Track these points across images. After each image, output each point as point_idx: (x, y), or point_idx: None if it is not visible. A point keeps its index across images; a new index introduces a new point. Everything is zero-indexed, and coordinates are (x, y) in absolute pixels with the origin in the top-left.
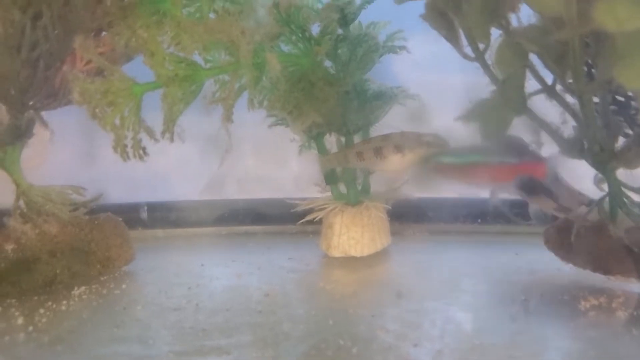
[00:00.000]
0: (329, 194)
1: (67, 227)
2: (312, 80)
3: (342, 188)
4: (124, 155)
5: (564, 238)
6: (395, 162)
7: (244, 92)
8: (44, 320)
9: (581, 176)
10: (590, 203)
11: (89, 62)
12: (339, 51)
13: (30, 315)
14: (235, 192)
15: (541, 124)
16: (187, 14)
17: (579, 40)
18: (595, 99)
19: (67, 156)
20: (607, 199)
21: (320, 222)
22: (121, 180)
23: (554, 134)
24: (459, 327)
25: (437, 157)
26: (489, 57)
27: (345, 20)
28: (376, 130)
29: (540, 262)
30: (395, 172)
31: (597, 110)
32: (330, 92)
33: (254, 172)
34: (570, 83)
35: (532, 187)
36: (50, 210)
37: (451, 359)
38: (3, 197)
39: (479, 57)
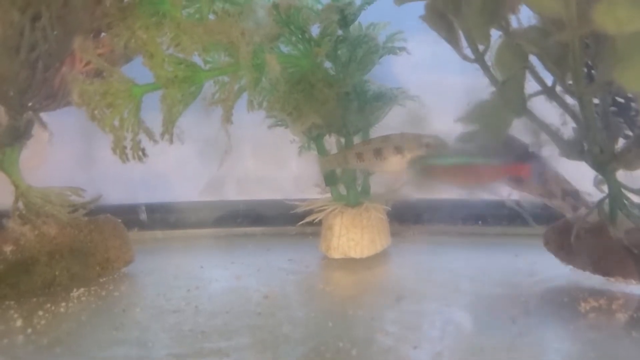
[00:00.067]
0: (329, 195)
1: (66, 229)
2: (312, 82)
3: (342, 189)
4: (123, 157)
5: (564, 239)
6: (395, 164)
7: (243, 94)
8: (42, 322)
9: (582, 177)
10: (572, 193)
11: (88, 63)
12: (339, 52)
13: (29, 317)
14: (235, 193)
15: (541, 126)
16: (186, 15)
17: (579, 41)
18: (595, 101)
19: (66, 157)
20: (607, 200)
21: (319, 223)
22: (120, 182)
23: (554, 135)
24: (458, 329)
25: (423, 159)
26: (489, 58)
27: (345, 21)
28: (376, 132)
29: (540, 263)
30: (395, 174)
31: (597, 111)
32: (330, 93)
33: (254, 173)
34: (570, 84)
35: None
36: (49, 211)
37: None
38: (2, 198)
39: (479, 58)
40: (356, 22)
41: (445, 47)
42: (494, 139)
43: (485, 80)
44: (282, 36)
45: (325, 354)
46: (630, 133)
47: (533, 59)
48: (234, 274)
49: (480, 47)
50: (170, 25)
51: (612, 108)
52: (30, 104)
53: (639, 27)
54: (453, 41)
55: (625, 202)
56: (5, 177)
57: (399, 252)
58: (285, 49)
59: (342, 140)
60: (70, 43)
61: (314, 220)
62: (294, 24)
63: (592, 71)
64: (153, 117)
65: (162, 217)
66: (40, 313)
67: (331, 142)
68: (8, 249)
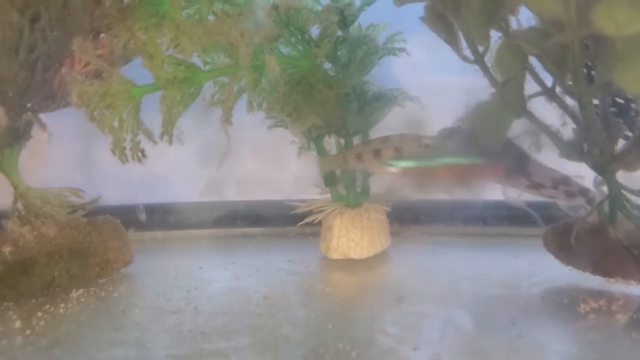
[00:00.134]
0: (329, 196)
1: (65, 230)
2: (312, 83)
3: (342, 190)
4: (123, 158)
5: (564, 240)
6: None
7: (243, 94)
8: (41, 323)
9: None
10: (563, 180)
11: (87, 64)
12: (339, 53)
13: (28, 318)
14: (235, 194)
15: (541, 127)
16: (186, 16)
17: (579, 42)
18: (595, 102)
19: (66, 158)
20: (606, 201)
21: (319, 224)
22: (119, 183)
23: (554, 136)
24: (458, 330)
25: (394, 160)
26: (489, 59)
27: (344, 22)
28: (376, 132)
29: (540, 264)
30: (394, 175)
31: (597, 112)
32: (330, 94)
33: (253, 174)
34: (569, 85)
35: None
36: (49, 212)
37: None
38: (1, 199)
39: (479, 59)
40: (356, 23)
41: (444, 48)
42: (478, 136)
43: (485, 82)
44: (282, 37)
45: (325, 355)
46: (630, 134)
47: (533, 60)
48: (233, 274)
49: (480, 48)
50: (170, 26)
51: (612, 109)
52: (29, 105)
53: (638, 29)
54: (453, 42)
55: (625, 203)
56: (5, 177)
57: (399, 252)
58: (284, 50)
59: (342, 141)
60: (70, 44)
61: (313, 221)
62: (293, 25)
63: (592, 72)
64: (152, 118)
65: (161, 217)
66: (39, 314)
67: (331, 143)
68: (7, 249)
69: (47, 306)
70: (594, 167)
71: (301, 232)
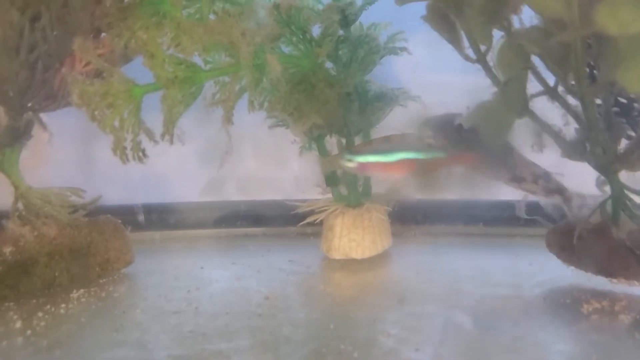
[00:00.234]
0: (330, 195)
1: (65, 230)
2: (313, 82)
3: (343, 190)
4: (124, 158)
5: (566, 241)
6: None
7: (244, 94)
8: (42, 323)
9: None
10: (543, 175)
11: (88, 63)
12: (340, 52)
13: (28, 318)
14: (235, 193)
15: (543, 126)
16: (187, 15)
17: (581, 42)
18: (598, 101)
19: (66, 158)
20: (609, 201)
21: (320, 224)
22: (120, 182)
23: (556, 136)
24: (460, 331)
25: (352, 155)
26: (491, 58)
27: (346, 21)
28: (377, 132)
29: (542, 265)
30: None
31: (600, 112)
32: (331, 93)
33: (255, 174)
34: (572, 85)
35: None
36: (49, 212)
37: None
38: (1, 199)
39: (481, 58)
40: (357, 23)
41: (446, 48)
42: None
43: (487, 81)
44: (283, 36)
45: (326, 356)
46: (633, 134)
47: (535, 60)
48: (234, 274)
49: (482, 48)
50: (171, 26)
51: (615, 109)
52: (30, 105)
53: None
54: (455, 41)
55: (628, 203)
56: (5, 177)
57: (400, 253)
58: (286, 49)
59: (343, 140)
60: (70, 43)
61: (314, 220)
62: (295, 24)
63: (595, 72)
64: (153, 118)
65: (161, 217)
66: (40, 314)
67: (332, 142)
68: (7, 250)
69: (48, 306)
70: (597, 167)
71: (302, 232)
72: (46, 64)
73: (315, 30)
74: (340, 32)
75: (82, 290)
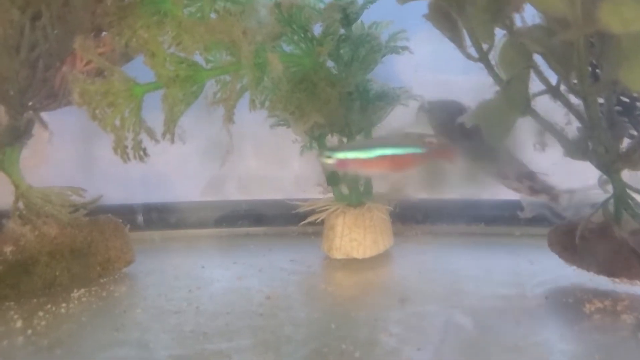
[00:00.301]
0: (331, 195)
1: (66, 229)
2: (314, 81)
3: (344, 189)
4: (124, 157)
5: (568, 240)
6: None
7: (245, 93)
8: (43, 323)
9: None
10: (528, 174)
11: (89, 62)
12: (341, 51)
13: (29, 318)
14: (236, 193)
15: (545, 125)
16: (188, 14)
17: (584, 40)
18: (600, 100)
19: (67, 157)
20: (611, 200)
21: (321, 223)
22: (121, 181)
23: (558, 135)
24: (462, 331)
25: (330, 151)
26: (493, 57)
27: (347, 20)
28: (378, 131)
29: (544, 264)
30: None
31: (602, 111)
32: (333, 92)
33: (256, 173)
34: (574, 84)
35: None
36: (50, 211)
37: None
38: (2, 198)
39: (483, 57)
40: (359, 21)
41: (448, 46)
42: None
43: (489, 80)
44: (284, 35)
45: (328, 355)
46: (635, 133)
47: (537, 58)
48: (235, 274)
49: (484, 46)
50: (172, 24)
51: (617, 107)
52: (30, 104)
53: None
54: (457, 40)
55: (630, 202)
56: (6, 177)
57: (402, 252)
58: (287, 48)
59: (345, 140)
60: (71, 42)
61: (316, 220)
62: (296, 23)
63: (597, 70)
64: (154, 117)
65: (162, 217)
66: (41, 314)
67: (333, 141)
68: (8, 249)
69: (49, 306)
70: (599, 166)
71: (303, 231)
72: (47, 63)
73: (317, 29)
74: (342, 30)
75: (82, 290)
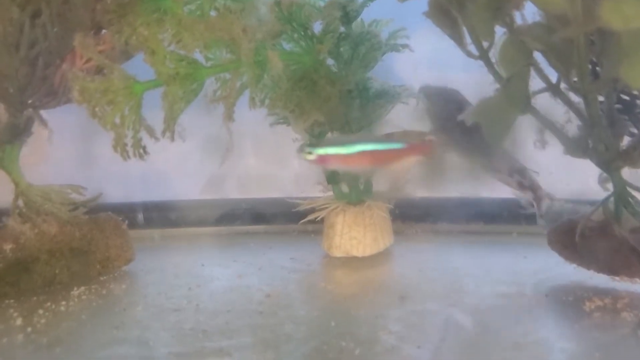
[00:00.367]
0: (331, 193)
1: (66, 227)
2: (314, 79)
3: (344, 187)
4: (124, 154)
5: (568, 238)
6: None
7: (245, 91)
8: (42, 321)
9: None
10: (519, 170)
11: (88, 60)
12: (341, 49)
13: (29, 316)
14: (236, 191)
15: (545, 123)
16: (188, 11)
17: (584, 38)
18: (600, 98)
19: (67, 155)
20: (612, 198)
21: (321, 221)
22: (121, 179)
23: (559, 132)
24: (462, 329)
25: (311, 147)
26: (493, 55)
27: (347, 18)
28: (378, 129)
29: (544, 262)
30: (397, 171)
31: (602, 109)
32: (333, 90)
33: (255, 171)
34: (575, 81)
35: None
36: (50, 209)
37: None
38: (2, 196)
39: (483, 55)
40: (359, 19)
41: (448, 44)
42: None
43: (489, 77)
44: (284, 33)
45: (327, 353)
46: (636, 131)
47: (538, 56)
48: (235, 272)
49: (485, 44)
50: (172, 22)
51: (617, 105)
52: (30, 101)
53: None
54: (457, 38)
55: (630, 200)
56: (5, 174)
57: (402, 250)
58: (287, 46)
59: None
60: (71, 40)
61: (316, 218)
62: (296, 20)
63: (597, 68)
64: (154, 115)
65: (162, 215)
66: (41, 312)
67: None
68: (8, 247)
69: (48, 304)
70: (599, 163)
71: (303, 229)
72: (46, 61)
73: (317, 27)
74: (342, 29)
75: (82, 288)
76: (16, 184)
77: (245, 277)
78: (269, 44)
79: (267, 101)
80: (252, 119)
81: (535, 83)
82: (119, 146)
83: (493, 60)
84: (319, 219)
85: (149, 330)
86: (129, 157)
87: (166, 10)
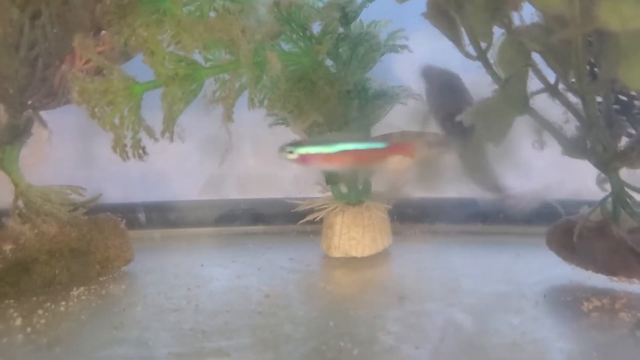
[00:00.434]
0: (330, 193)
1: (66, 228)
2: (313, 80)
3: (343, 188)
4: (124, 155)
5: (567, 239)
6: (396, 162)
7: (244, 91)
8: (42, 321)
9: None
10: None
11: (88, 61)
12: (340, 50)
13: (28, 316)
14: (235, 191)
15: (543, 124)
16: (187, 12)
17: (582, 39)
18: (599, 99)
19: (66, 156)
20: (610, 199)
21: (320, 222)
22: (120, 180)
23: (557, 133)
24: (460, 329)
25: (293, 147)
26: (491, 56)
27: (346, 18)
28: (377, 130)
29: (542, 262)
30: (396, 172)
31: (600, 109)
32: (331, 91)
33: (254, 172)
34: (573, 82)
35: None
36: (49, 210)
37: None
38: (2, 197)
39: (481, 56)
40: (357, 20)
41: (447, 45)
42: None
43: (487, 78)
44: (283, 34)
45: (326, 353)
46: (634, 131)
47: (536, 57)
48: (234, 272)
49: (483, 45)
50: (171, 23)
51: (615, 106)
52: (30, 102)
53: None
54: (455, 38)
55: (628, 200)
56: (5, 175)
57: (401, 251)
58: (286, 46)
59: None
60: (70, 41)
61: (314, 219)
62: (295, 21)
63: (595, 69)
64: (153, 115)
65: (161, 215)
66: (40, 312)
67: None
68: (8, 247)
69: (48, 304)
70: (597, 164)
71: (302, 230)
72: (46, 62)
73: (316, 28)
74: (341, 29)
75: (82, 288)
76: (16, 185)
77: (244, 278)
78: (268, 44)
79: (266, 102)
80: (251, 120)
81: (533, 84)
82: (119, 147)
83: (491, 61)
84: (317, 219)
85: (149, 331)
86: (128, 157)
87: (165, 11)
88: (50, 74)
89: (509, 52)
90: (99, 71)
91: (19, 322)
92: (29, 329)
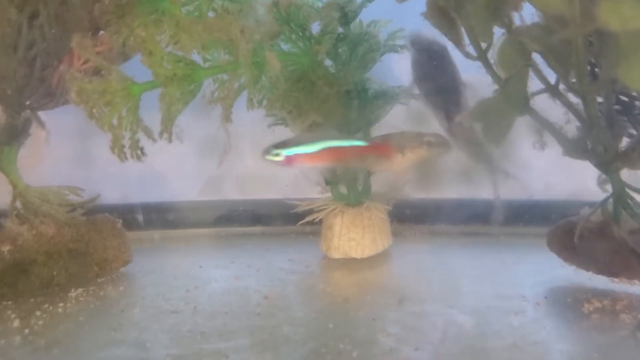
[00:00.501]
0: (329, 194)
1: (64, 229)
2: (312, 80)
3: (343, 189)
4: (122, 156)
5: (567, 240)
6: (396, 162)
7: (243, 92)
8: (40, 322)
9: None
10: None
11: (86, 61)
12: (340, 50)
13: (26, 317)
14: (234, 192)
15: (544, 124)
16: (186, 12)
17: (583, 39)
18: (599, 99)
19: (64, 156)
20: (610, 200)
21: (320, 223)
22: (118, 181)
23: (557, 134)
24: (460, 330)
25: (277, 148)
26: (492, 56)
27: (345, 18)
28: (377, 130)
29: (543, 264)
30: (396, 173)
31: (601, 110)
32: (331, 91)
33: (253, 172)
34: (573, 82)
35: None
36: (47, 211)
37: None
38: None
39: (482, 56)
40: (357, 20)
41: (447, 45)
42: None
43: (488, 78)
44: (282, 34)
45: (325, 355)
46: (634, 132)
47: (536, 57)
48: (233, 274)
49: (483, 45)
50: (170, 23)
51: (616, 106)
52: (28, 103)
53: None
54: (455, 39)
55: (629, 201)
56: (3, 176)
57: (401, 252)
58: (285, 46)
59: None
60: (69, 41)
61: (314, 219)
62: (294, 21)
63: (596, 69)
64: (152, 116)
65: (160, 216)
66: (38, 313)
67: None
68: (6, 248)
69: (46, 305)
70: (598, 165)
71: (302, 231)
72: (44, 62)
73: (315, 28)
74: (340, 29)
75: (80, 290)
76: (14, 186)
77: (243, 279)
78: (267, 44)
79: (265, 102)
80: (250, 120)
81: (533, 84)
82: (117, 147)
83: (491, 61)
84: (317, 220)
85: (147, 332)
86: (126, 158)
87: (164, 12)
88: (48, 74)
89: (509, 52)
90: (97, 71)
91: (16, 323)
92: (26, 331)
